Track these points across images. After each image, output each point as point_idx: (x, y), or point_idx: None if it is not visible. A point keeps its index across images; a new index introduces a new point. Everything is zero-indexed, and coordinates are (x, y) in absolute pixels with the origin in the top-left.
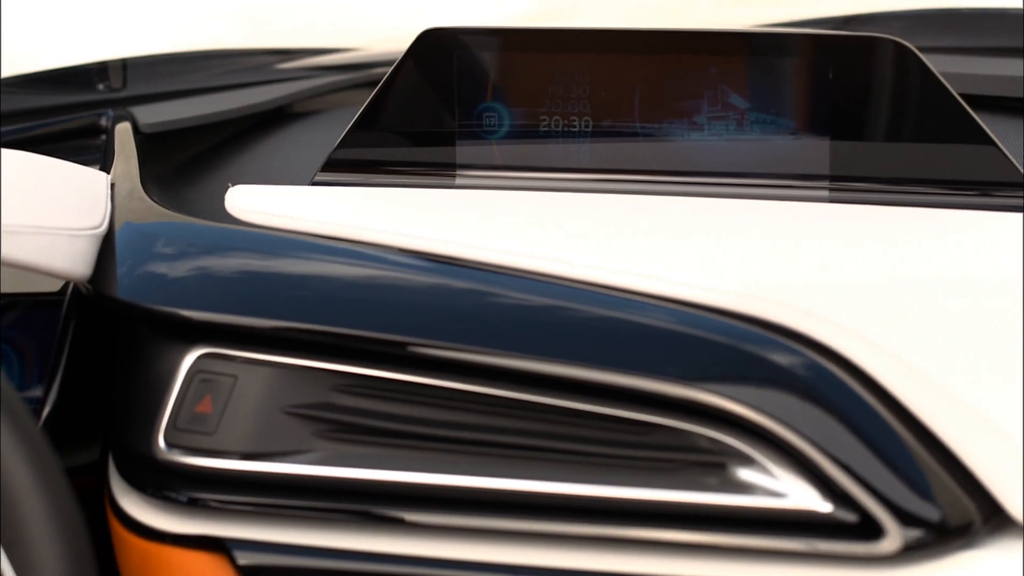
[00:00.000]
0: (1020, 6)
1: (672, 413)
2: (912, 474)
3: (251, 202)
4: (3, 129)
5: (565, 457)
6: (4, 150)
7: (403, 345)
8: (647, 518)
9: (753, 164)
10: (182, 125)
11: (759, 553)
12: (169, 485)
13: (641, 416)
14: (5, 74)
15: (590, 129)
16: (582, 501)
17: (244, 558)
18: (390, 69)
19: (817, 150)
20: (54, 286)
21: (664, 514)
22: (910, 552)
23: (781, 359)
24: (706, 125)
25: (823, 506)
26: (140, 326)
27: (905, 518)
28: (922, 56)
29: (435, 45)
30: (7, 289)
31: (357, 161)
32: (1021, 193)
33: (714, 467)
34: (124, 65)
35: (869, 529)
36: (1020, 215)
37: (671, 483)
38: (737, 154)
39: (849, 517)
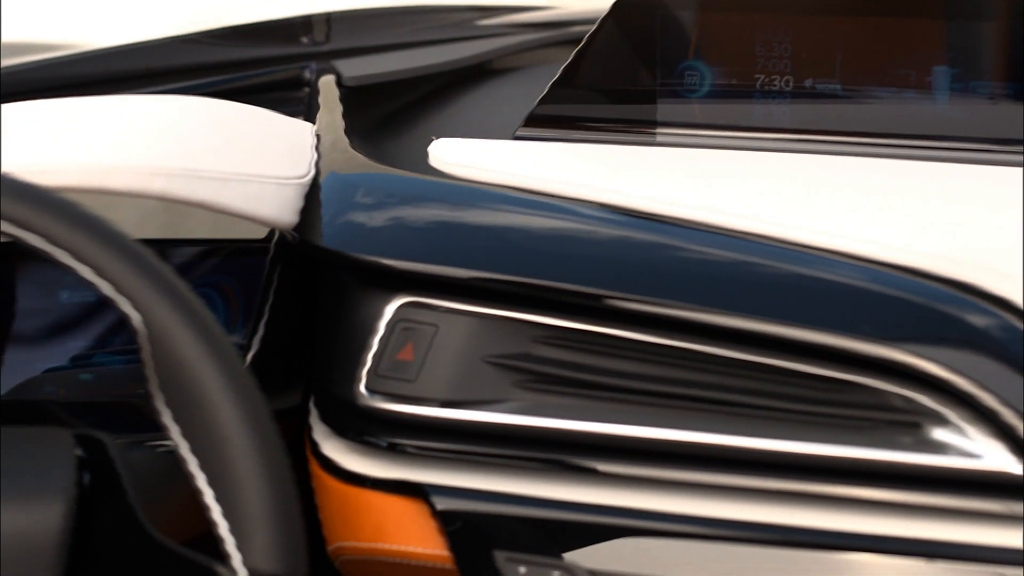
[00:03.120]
0: None
1: (868, 372)
2: None
3: (454, 155)
4: (211, 80)
5: (758, 412)
6: (214, 100)
7: (600, 298)
8: (841, 475)
9: (950, 127)
10: (384, 79)
11: (952, 512)
12: (369, 430)
13: (837, 374)
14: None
15: (791, 89)
16: (774, 456)
17: (442, 503)
18: (591, 27)
19: (1014, 115)
20: (260, 233)
21: (859, 471)
22: None
23: (977, 320)
24: (905, 87)
25: (1017, 467)
26: (344, 274)
27: None
28: None
29: (638, 4)
30: (215, 235)
31: (559, 117)
32: None
33: (909, 426)
34: (328, 19)
35: None
36: None
37: (866, 441)
38: (935, 117)
39: None
